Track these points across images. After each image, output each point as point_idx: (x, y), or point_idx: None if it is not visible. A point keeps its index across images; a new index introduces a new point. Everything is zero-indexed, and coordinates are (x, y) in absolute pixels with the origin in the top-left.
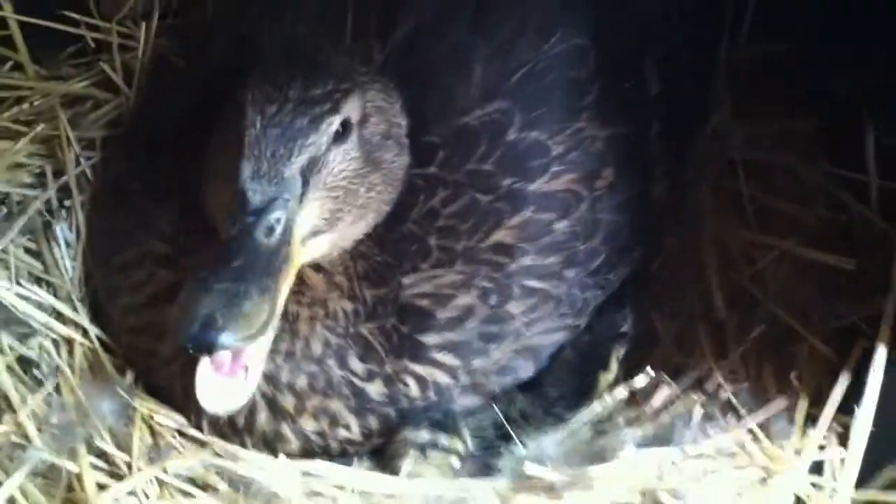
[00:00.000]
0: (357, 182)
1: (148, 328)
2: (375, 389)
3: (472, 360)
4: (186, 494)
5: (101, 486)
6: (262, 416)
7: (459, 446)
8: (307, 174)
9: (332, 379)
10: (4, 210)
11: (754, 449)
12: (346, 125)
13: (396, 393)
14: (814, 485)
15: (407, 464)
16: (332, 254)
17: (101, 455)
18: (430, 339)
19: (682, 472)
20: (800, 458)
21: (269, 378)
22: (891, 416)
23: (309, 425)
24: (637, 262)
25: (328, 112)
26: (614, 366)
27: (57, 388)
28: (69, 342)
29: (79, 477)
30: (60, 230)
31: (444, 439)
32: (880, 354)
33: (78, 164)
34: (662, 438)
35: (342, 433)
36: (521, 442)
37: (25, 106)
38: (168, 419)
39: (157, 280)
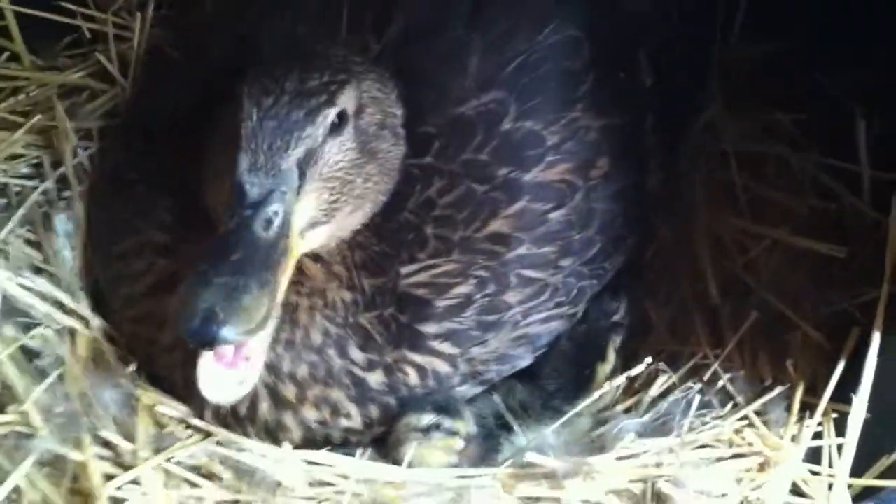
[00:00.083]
0: (354, 173)
1: (148, 317)
2: (375, 379)
3: (470, 349)
4: (190, 483)
5: (107, 476)
6: (265, 406)
7: (462, 428)
8: (304, 166)
9: (333, 368)
10: (3, 201)
11: (752, 437)
12: (342, 116)
13: (396, 382)
14: (811, 472)
15: (409, 452)
16: (330, 244)
17: (106, 444)
18: (428, 328)
19: (681, 460)
20: (796, 445)
21: (271, 367)
22: (886, 404)
23: (310, 414)
24: (631, 251)
25: (324, 104)
26: (612, 356)
27: (60, 379)
28: (71, 332)
29: (84, 466)
30: (59, 221)
31: (447, 421)
32: (875, 342)
33: (75, 154)
34: (661, 427)
35: (343, 422)
36: (520, 432)
37: (22, 97)
38: (171, 409)
39: (156, 269)
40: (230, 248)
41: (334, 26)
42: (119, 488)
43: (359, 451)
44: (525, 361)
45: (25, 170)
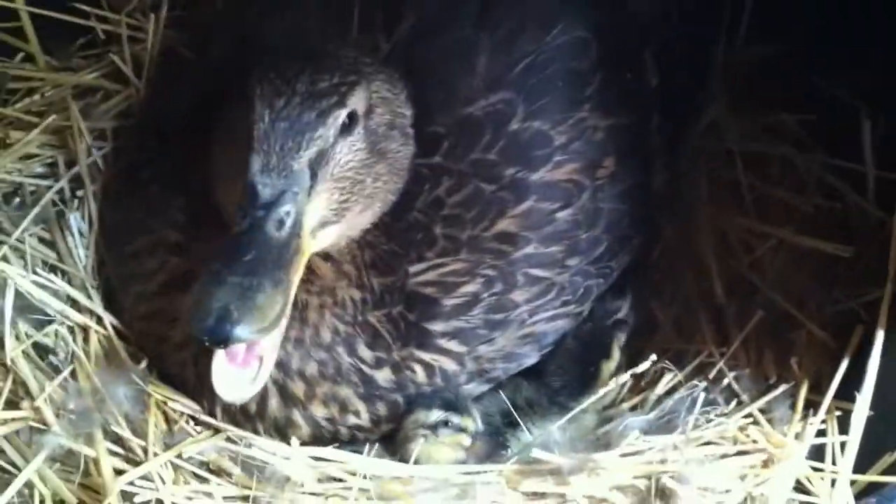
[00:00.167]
0: (363, 172)
1: (160, 315)
2: (383, 376)
3: (477, 347)
4: (200, 479)
5: (118, 471)
6: (274, 403)
7: (470, 424)
8: (315, 167)
9: (342, 366)
10: (18, 200)
11: (756, 434)
12: (352, 117)
13: (404, 379)
14: (814, 469)
15: (417, 448)
16: (340, 243)
17: (117, 440)
18: (436, 326)
19: (685, 457)
20: (800, 442)
21: (280, 365)
22: (890, 402)
23: (319, 411)
24: (637, 250)
25: (335, 105)
26: (616, 354)
27: (73, 375)
28: (84, 329)
29: (96, 462)
30: (73, 219)
31: (455, 418)
32: (879, 340)
33: (89, 154)
34: (666, 424)
35: (352, 419)
36: (527, 429)
37: (37, 97)
38: (182, 405)
39: (169, 268)
40: (243, 248)
41: (345, 26)
42: (130, 483)
43: (366, 448)
44: (531, 359)
45: (40, 169)
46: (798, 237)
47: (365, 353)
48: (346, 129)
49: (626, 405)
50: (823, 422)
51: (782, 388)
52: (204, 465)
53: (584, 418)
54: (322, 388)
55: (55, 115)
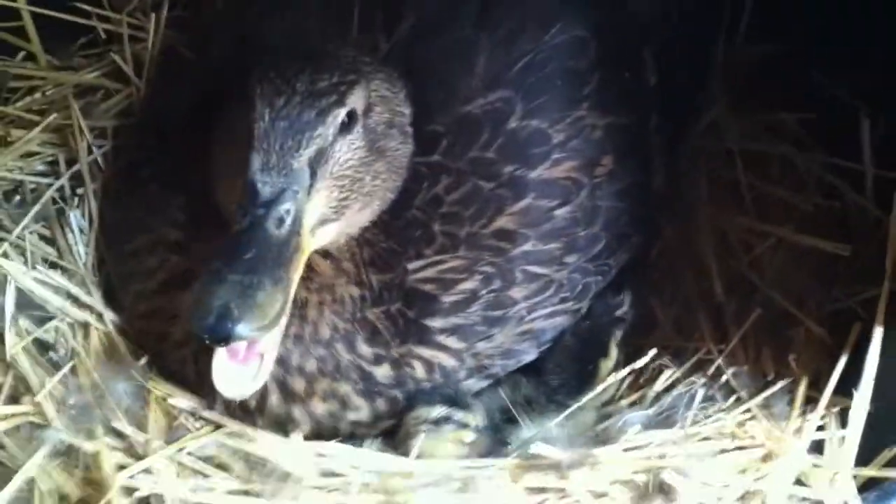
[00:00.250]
0: (362, 171)
1: (160, 313)
2: (383, 373)
3: (476, 344)
4: (201, 474)
5: (119, 466)
6: (274, 399)
7: (472, 421)
8: (315, 165)
9: (341, 362)
10: (18, 197)
11: (755, 429)
12: (351, 116)
13: (403, 376)
14: (814, 465)
15: (418, 443)
16: (339, 241)
17: (118, 435)
18: (435, 322)
19: (685, 452)
20: (799, 438)
21: (280, 361)
22: (888, 398)
23: (319, 408)
24: (636, 248)
25: (334, 104)
26: (613, 352)
27: (73, 371)
28: (84, 326)
29: (96, 456)
30: (74, 217)
31: (457, 414)
32: (877, 337)
33: (90, 152)
34: (665, 420)
35: (351, 415)
36: (526, 425)
37: (38, 95)
38: (182, 401)
39: (168, 266)
40: (243, 247)
41: (345, 25)
42: (131, 478)
43: (367, 443)
44: (530, 356)
45: (41, 167)
46: (797, 236)
47: (364, 349)
48: (346, 127)
49: (625, 401)
50: (823, 417)
51: (781, 384)
52: (205, 459)
53: (584, 415)
54: (322, 385)
55: (56, 113)
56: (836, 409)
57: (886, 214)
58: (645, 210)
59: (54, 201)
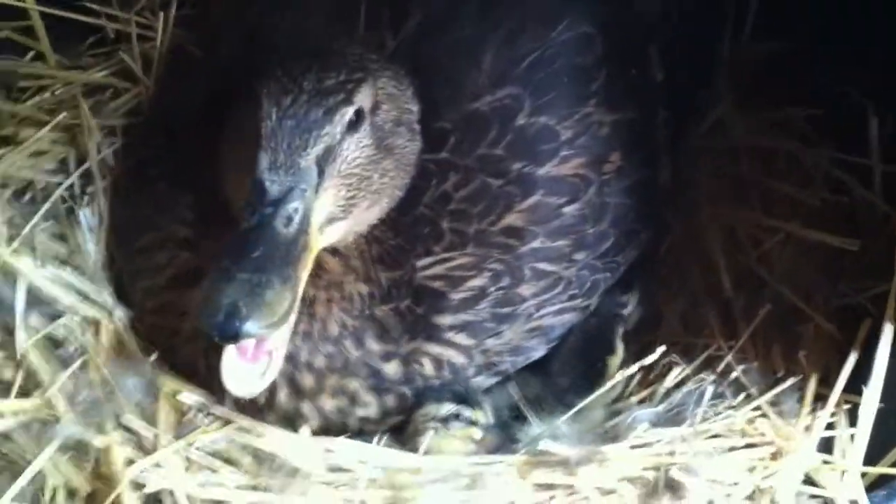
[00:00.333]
0: (370, 169)
1: (169, 309)
2: (392, 369)
3: (485, 340)
4: (211, 468)
5: (128, 461)
6: (283, 395)
7: (482, 418)
8: (322, 164)
9: (350, 359)
10: (29, 196)
11: (764, 427)
12: (359, 114)
13: (412, 372)
14: (823, 462)
15: (426, 440)
16: (347, 238)
17: (128, 430)
18: (444, 319)
19: (694, 449)
20: (809, 435)
21: (289, 358)
22: None
23: (328, 404)
24: (644, 244)
25: (342, 102)
26: (620, 348)
27: (84, 367)
28: (95, 322)
29: (107, 451)
30: (83, 215)
31: (466, 411)
32: (887, 333)
33: (99, 151)
34: (674, 417)
35: (360, 411)
36: (535, 423)
37: (47, 95)
38: (192, 396)
39: (178, 263)
40: (252, 245)
41: (352, 23)
42: (141, 472)
43: (375, 439)
44: (539, 353)
45: (50, 166)
46: (805, 231)
47: (373, 346)
48: (353, 125)
49: (634, 398)
50: (832, 415)
51: (790, 381)
52: (214, 454)
53: (593, 413)
54: (331, 381)
55: (65, 112)
56: (845, 407)
57: (895, 210)
58: (653, 206)
59: (64, 200)
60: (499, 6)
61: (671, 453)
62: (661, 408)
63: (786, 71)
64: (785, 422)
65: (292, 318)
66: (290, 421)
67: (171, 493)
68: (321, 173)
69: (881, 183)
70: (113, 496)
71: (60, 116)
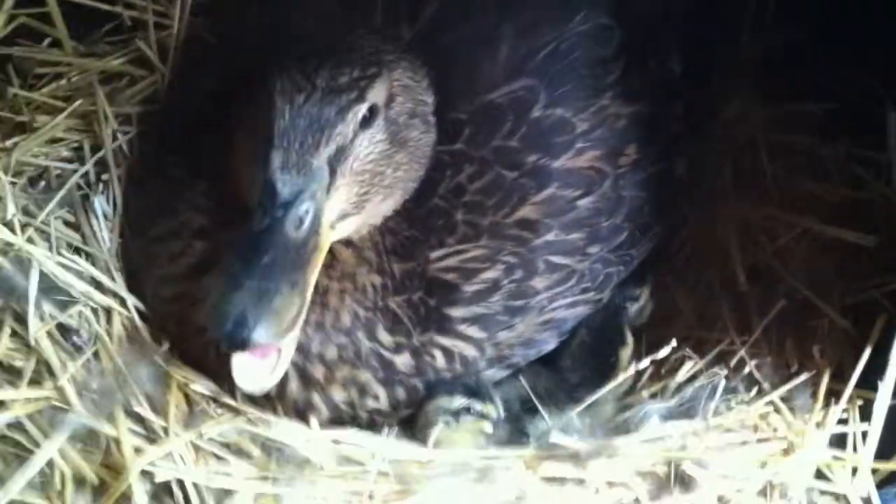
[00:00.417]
0: (384, 163)
1: (183, 298)
2: (403, 361)
3: (497, 333)
4: (220, 459)
5: (138, 451)
6: (294, 386)
7: (492, 411)
8: (334, 163)
9: (361, 350)
10: (43, 183)
11: (777, 422)
12: (372, 110)
13: (423, 365)
14: (835, 457)
15: (436, 433)
16: (361, 231)
17: (139, 420)
18: (456, 312)
19: (706, 443)
20: (821, 430)
21: (300, 348)
22: None
23: (338, 395)
24: (659, 238)
25: (355, 100)
26: (629, 338)
27: (96, 356)
28: (108, 311)
29: (117, 441)
30: (98, 203)
31: (477, 405)
32: None
33: (115, 138)
34: (686, 411)
35: (371, 403)
36: (546, 416)
37: (63, 82)
38: (203, 387)
39: (193, 251)
40: (261, 250)
41: (369, 13)
42: (151, 463)
43: (385, 431)
44: (550, 345)
45: (66, 153)
46: (821, 226)
47: (385, 337)
48: (367, 122)
49: (645, 393)
50: (845, 410)
51: (804, 376)
52: (224, 445)
53: (604, 407)
54: (342, 372)
55: (81, 99)
56: (858, 403)
57: None
58: (668, 200)
59: (79, 187)
60: None
61: (682, 447)
62: (672, 402)
63: (805, 63)
64: (797, 417)
65: (301, 321)
66: (301, 412)
67: (181, 483)
68: (333, 172)
69: None
70: (123, 486)
71: (76, 104)
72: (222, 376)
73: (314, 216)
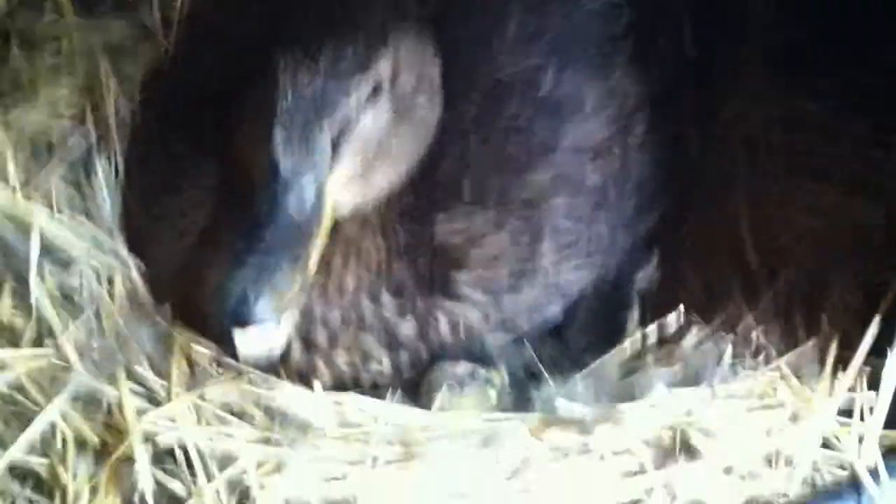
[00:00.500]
0: (389, 137)
1: (186, 275)
2: (407, 326)
3: (502, 298)
4: (222, 421)
5: (140, 412)
6: (296, 349)
7: (497, 379)
8: (338, 141)
9: (365, 314)
10: (45, 150)
11: (784, 390)
12: (377, 85)
13: (427, 330)
14: (842, 424)
15: (440, 397)
16: (365, 203)
17: (140, 381)
18: (461, 276)
19: (711, 410)
20: (828, 398)
21: (303, 312)
22: None
23: (341, 358)
24: (667, 211)
25: (359, 77)
26: (636, 302)
27: (96, 316)
28: (109, 271)
29: (119, 402)
30: (100, 167)
31: (482, 372)
32: None
33: (117, 109)
34: (692, 379)
35: (373, 367)
36: (551, 382)
37: (66, 47)
38: (205, 348)
39: (197, 229)
40: (264, 228)
41: None
42: (152, 424)
43: (388, 394)
44: (555, 311)
45: (68, 123)
46: (831, 197)
47: (389, 301)
48: (371, 97)
49: (651, 358)
50: (853, 379)
51: (811, 343)
52: (226, 407)
53: (608, 372)
54: (345, 336)
55: (84, 66)
56: (867, 371)
57: None
58: (677, 175)
59: (80, 156)
60: None
61: (688, 414)
62: (678, 367)
63: (821, 40)
64: (804, 385)
65: (303, 297)
66: (303, 376)
67: (182, 444)
68: (336, 150)
69: None
70: (124, 447)
71: (79, 70)
72: (224, 338)
73: (317, 194)
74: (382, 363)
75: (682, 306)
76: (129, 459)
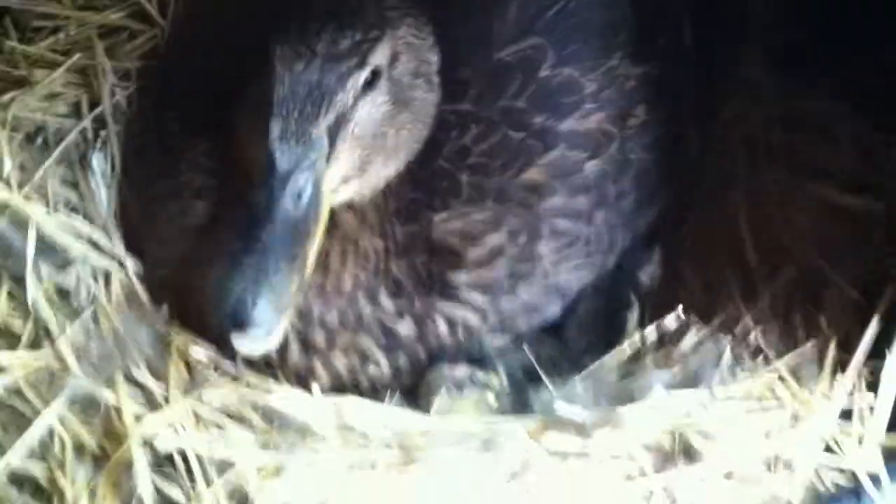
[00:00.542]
0: (387, 125)
1: (183, 259)
2: (405, 327)
3: (500, 299)
4: (220, 426)
5: (138, 417)
6: (294, 351)
7: (496, 382)
8: (334, 131)
9: (363, 315)
10: (41, 140)
11: (783, 392)
12: (374, 73)
13: (426, 331)
14: (842, 430)
15: (438, 401)
16: (363, 195)
17: (138, 385)
18: (459, 277)
19: (711, 413)
20: (829, 402)
21: (301, 313)
22: None
23: (339, 361)
24: (666, 204)
25: (356, 66)
26: (636, 303)
27: (94, 318)
28: (106, 272)
29: (116, 407)
30: (96, 160)
31: (480, 374)
32: None
33: (113, 94)
34: (691, 381)
35: (372, 370)
36: (550, 385)
37: (62, 35)
38: (202, 351)
39: (193, 212)
40: (261, 227)
41: None
42: (150, 429)
43: (387, 398)
44: (554, 312)
45: (63, 109)
46: (832, 197)
47: (386, 302)
48: (369, 85)
49: (649, 360)
50: (853, 382)
51: (811, 345)
52: (224, 410)
53: (607, 374)
54: (343, 338)
55: (80, 53)
56: (866, 372)
57: None
58: (676, 166)
59: (77, 144)
60: None
61: (687, 417)
62: (676, 369)
63: (819, 36)
64: (804, 387)
65: (301, 297)
66: (302, 379)
67: (181, 449)
68: (332, 141)
69: None
70: (121, 451)
71: (74, 58)
72: (222, 341)
73: (314, 187)
74: (380, 365)
75: (681, 307)
76: (127, 464)
